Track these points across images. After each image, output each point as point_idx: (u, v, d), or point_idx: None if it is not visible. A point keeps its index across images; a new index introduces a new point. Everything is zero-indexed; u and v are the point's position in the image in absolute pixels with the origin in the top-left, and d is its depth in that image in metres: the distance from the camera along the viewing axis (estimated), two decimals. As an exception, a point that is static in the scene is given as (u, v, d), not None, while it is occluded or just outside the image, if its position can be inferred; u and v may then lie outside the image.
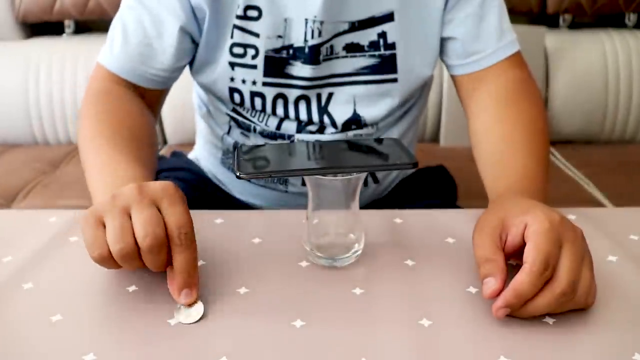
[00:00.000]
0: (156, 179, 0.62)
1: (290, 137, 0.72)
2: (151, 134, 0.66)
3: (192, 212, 0.52)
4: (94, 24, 1.64)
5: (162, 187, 0.44)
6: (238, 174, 0.47)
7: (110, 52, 0.68)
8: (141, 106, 0.67)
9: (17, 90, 1.53)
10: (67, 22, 1.61)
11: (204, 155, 0.84)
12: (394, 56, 0.69)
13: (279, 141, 0.72)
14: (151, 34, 0.66)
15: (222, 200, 0.80)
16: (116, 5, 0.72)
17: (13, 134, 1.57)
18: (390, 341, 0.41)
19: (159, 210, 0.43)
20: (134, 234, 0.41)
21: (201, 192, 0.80)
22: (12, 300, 0.47)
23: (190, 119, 0.96)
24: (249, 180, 0.77)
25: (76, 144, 1.59)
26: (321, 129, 0.71)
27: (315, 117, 0.70)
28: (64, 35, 1.62)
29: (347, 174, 0.47)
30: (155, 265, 0.43)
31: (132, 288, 0.48)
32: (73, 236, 0.57)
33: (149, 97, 0.69)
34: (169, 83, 0.71)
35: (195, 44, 0.69)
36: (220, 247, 0.54)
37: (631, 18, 1.59)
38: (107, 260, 0.42)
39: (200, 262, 0.52)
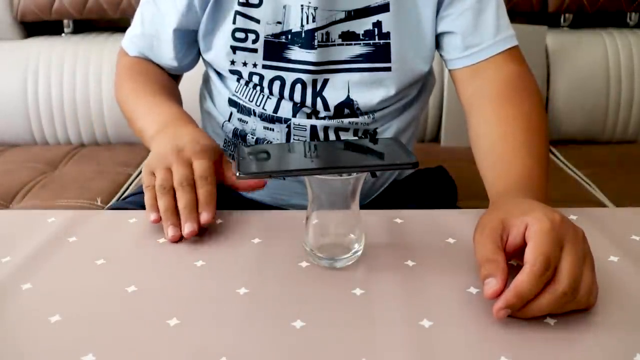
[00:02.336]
0: None
1: (287, 120, 0.73)
2: (176, 89, 0.80)
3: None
4: (92, 24, 1.64)
5: (192, 147, 0.58)
6: (238, 174, 0.47)
7: (130, 40, 0.79)
8: (164, 72, 0.79)
9: (16, 90, 1.52)
10: (65, 22, 1.60)
11: None
12: (388, 45, 0.70)
13: (276, 125, 0.73)
14: (158, 28, 0.74)
15: (219, 191, 0.81)
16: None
17: (11, 134, 1.56)
18: (391, 342, 0.41)
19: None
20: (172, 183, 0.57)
21: None
22: (10, 300, 0.47)
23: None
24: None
25: (75, 144, 1.61)
26: (315, 112, 0.72)
27: (309, 100, 0.72)
28: (63, 34, 1.61)
29: (347, 173, 0.47)
30: (184, 200, 0.55)
31: (131, 288, 0.48)
32: (72, 236, 0.57)
33: None
34: (184, 69, 0.80)
35: (196, 31, 0.75)
36: (220, 247, 0.54)
37: (632, 17, 1.59)
38: (152, 194, 0.57)
39: (200, 262, 0.52)
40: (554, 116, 1.51)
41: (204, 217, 0.55)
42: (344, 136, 0.74)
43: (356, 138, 0.74)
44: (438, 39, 0.73)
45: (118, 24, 1.59)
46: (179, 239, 0.55)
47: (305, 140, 0.73)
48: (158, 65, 0.79)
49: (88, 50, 1.52)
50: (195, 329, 0.43)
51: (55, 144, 1.57)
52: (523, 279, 0.41)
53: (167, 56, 0.76)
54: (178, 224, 0.55)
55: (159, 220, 0.56)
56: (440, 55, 0.75)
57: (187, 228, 0.54)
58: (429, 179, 0.86)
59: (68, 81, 1.52)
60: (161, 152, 0.59)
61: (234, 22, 0.70)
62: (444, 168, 0.89)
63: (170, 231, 0.55)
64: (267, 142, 0.75)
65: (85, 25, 1.64)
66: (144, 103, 0.71)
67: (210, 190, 0.56)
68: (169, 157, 0.58)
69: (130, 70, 0.78)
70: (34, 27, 1.61)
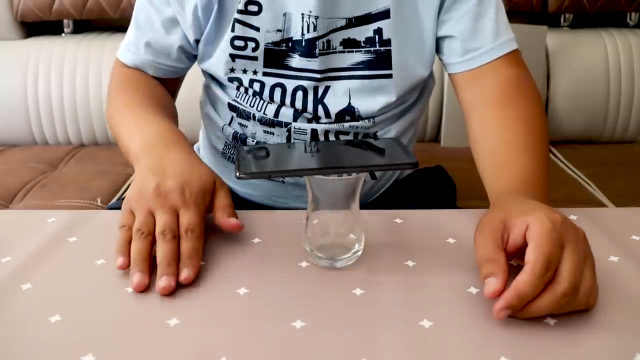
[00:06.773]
0: None
1: (287, 124, 0.73)
2: (171, 105, 0.76)
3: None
4: (92, 24, 1.64)
5: (180, 194, 0.52)
6: (238, 174, 0.47)
7: (126, 48, 0.75)
8: (160, 86, 0.76)
9: (16, 91, 1.52)
10: (65, 22, 1.60)
11: (206, 147, 0.85)
12: (389, 52, 0.70)
13: (277, 129, 0.73)
14: (159, 31, 0.72)
15: None
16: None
17: (11, 134, 1.56)
18: (391, 342, 0.41)
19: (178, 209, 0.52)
20: (154, 227, 0.51)
21: None
22: (10, 300, 0.47)
23: (190, 122, 0.97)
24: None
25: (75, 144, 1.61)
26: (316, 118, 0.72)
27: (310, 107, 0.71)
28: (63, 35, 1.61)
29: (347, 173, 0.47)
30: (163, 251, 0.49)
31: (131, 288, 0.48)
32: (72, 236, 0.57)
33: (164, 84, 0.77)
34: (182, 72, 0.79)
35: (198, 40, 0.73)
36: (220, 247, 0.54)
37: (632, 17, 1.59)
38: (126, 236, 0.51)
39: (200, 263, 0.52)
40: (554, 116, 1.51)
41: (185, 274, 0.48)
42: (344, 139, 0.74)
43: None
44: (438, 43, 0.73)
45: (118, 24, 1.59)
46: (146, 288, 0.47)
47: (305, 140, 0.73)
48: (153, 77, 0.76)
49: (88, 50, 1.52)
50: (195, 329, 0.43)
51: (55, 144, 1.57)
52: (524, 280, 0.41)
53: (168, 57, 0.74)
54: (147, 272, 0.48)
55: (127, 265, 0.49)
56: (440, 59, 0.75)
57: (163, 282, 0.46)
58: (428, 179, 0.86)
59: (68, 81, 1.52)
60: (143, 191, 0.52)
61: (232, 30, 0.69)
62: (443, 168, 0.89)
63: (135, 278, 0.47)
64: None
65: (85, 25, 1.64)
66: (130, 117, 0.65)
67: (196, 245, 0.50)
68: (152, 200, 0.51)
69: (122, 84, 0.74)
70: (34, 27, 1.61)
